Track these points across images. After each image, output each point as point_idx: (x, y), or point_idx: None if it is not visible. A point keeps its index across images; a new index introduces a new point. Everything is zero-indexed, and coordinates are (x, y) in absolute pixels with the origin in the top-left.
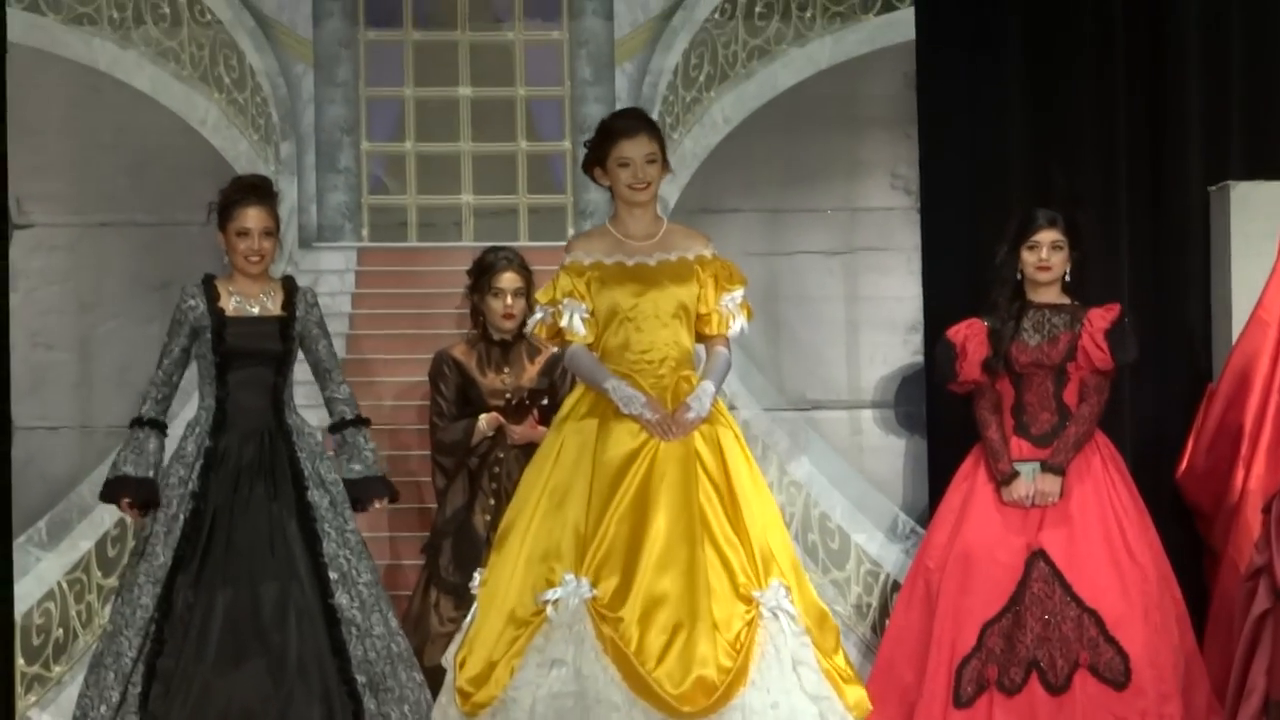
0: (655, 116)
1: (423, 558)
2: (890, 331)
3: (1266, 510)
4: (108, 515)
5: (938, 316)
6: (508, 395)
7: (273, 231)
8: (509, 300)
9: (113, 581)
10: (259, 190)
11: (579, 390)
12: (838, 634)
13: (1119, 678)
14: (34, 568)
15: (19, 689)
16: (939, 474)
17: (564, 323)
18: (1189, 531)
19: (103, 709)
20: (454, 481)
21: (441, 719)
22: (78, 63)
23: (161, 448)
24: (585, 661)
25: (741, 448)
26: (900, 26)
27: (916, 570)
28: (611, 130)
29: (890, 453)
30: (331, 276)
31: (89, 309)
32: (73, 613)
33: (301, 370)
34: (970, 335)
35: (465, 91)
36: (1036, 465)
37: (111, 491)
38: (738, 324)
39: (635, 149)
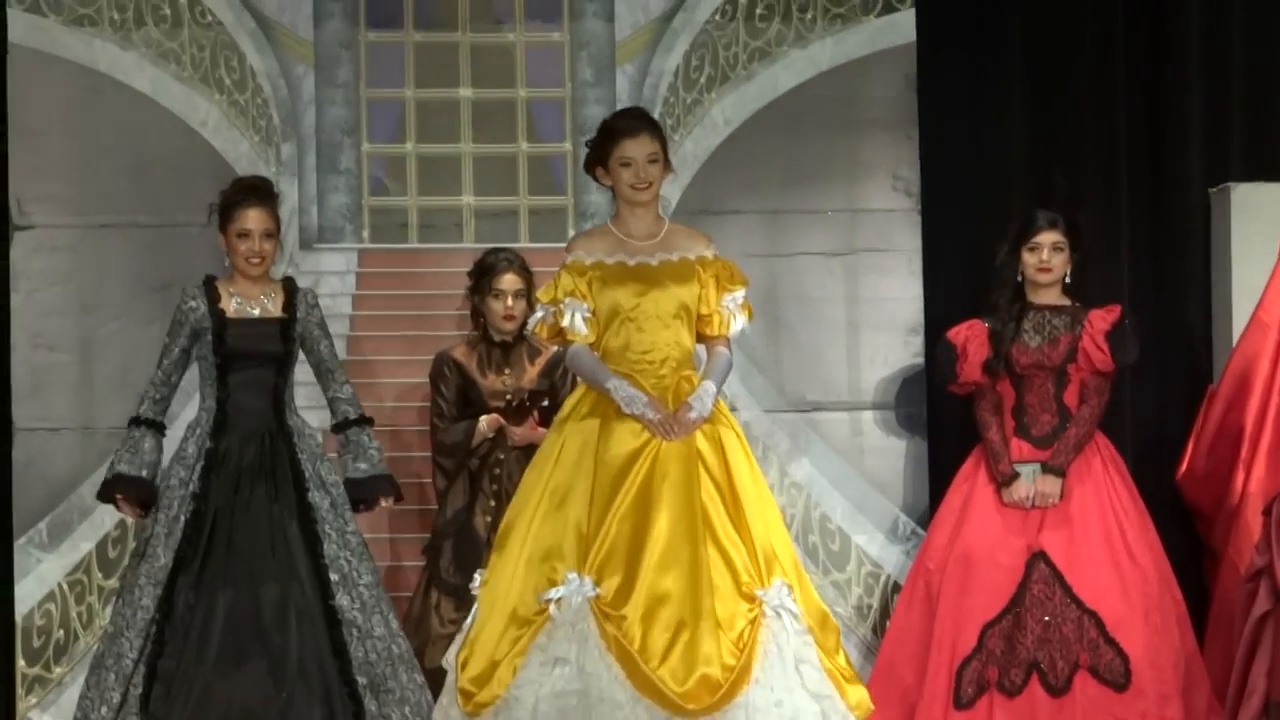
0: (656, 118)
1: (423, 559)
2: (891, 333)
3: (1267, 512)
4: (108, 517)
5: (938, 318)
6: (508, 396)
7: (273, 233)
8: (509, 302)
9: (113, 583)
10: (260, 191)
11: (580, 390)
12: (839, 634)
13: (1119, 679)
14: (35, 569)
15: (20, 690)
16: (939, 475)
17: (565, 322)
18: (1189, 533)
19: (103, 710)
20: (454, 483)
21: None
22: (78, 64)
23: (158, 447)
24: (588, 660)
25: (743, 448)
26: (901, 28)
27: (917, 571)
28: (613, 130)
29: (891, 454)
30: (332, 278)
31: (90, 310)
32: (73, 614)
33: (302, 371)
34: (971, 336)
35: (466, 93)
36: (1037, 467)
37: (106, 490)
38: (739, 324)
39: (637, 148)
